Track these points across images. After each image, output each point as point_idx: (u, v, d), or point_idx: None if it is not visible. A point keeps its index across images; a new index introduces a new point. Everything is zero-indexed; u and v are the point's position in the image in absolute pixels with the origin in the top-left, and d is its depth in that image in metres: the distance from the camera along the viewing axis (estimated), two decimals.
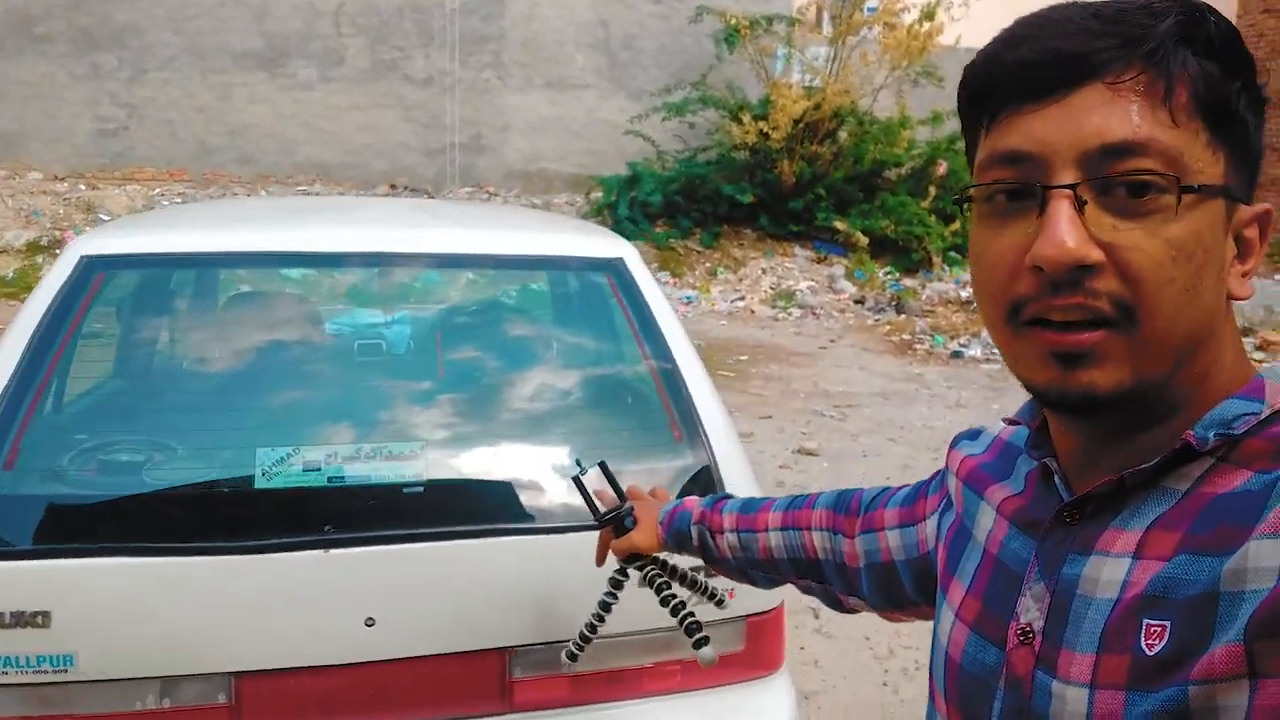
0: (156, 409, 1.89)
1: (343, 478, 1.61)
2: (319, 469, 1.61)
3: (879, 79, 12.02)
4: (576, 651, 1.25)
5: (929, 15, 11.43)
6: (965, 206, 0.70)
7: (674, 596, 1.21)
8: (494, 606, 1.60)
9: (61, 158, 11.75)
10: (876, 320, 10.11)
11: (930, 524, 0.94)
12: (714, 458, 1.72)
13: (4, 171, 11.44)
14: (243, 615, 1.53)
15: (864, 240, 11.66)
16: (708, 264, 12.19)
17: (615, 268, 1.93)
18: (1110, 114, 0.61)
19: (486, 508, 1.67)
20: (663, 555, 1.22)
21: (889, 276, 11.61)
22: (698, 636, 1.20)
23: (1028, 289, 0.63)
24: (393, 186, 12.68)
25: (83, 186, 11.50)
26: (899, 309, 10.28)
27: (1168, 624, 0.59)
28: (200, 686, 1.54)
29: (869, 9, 12.09)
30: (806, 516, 1.08)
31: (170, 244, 1.83)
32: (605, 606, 1.24)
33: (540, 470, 1.69)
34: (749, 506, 1.15)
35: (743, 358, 8.27)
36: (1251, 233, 0.67)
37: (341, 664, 1.57)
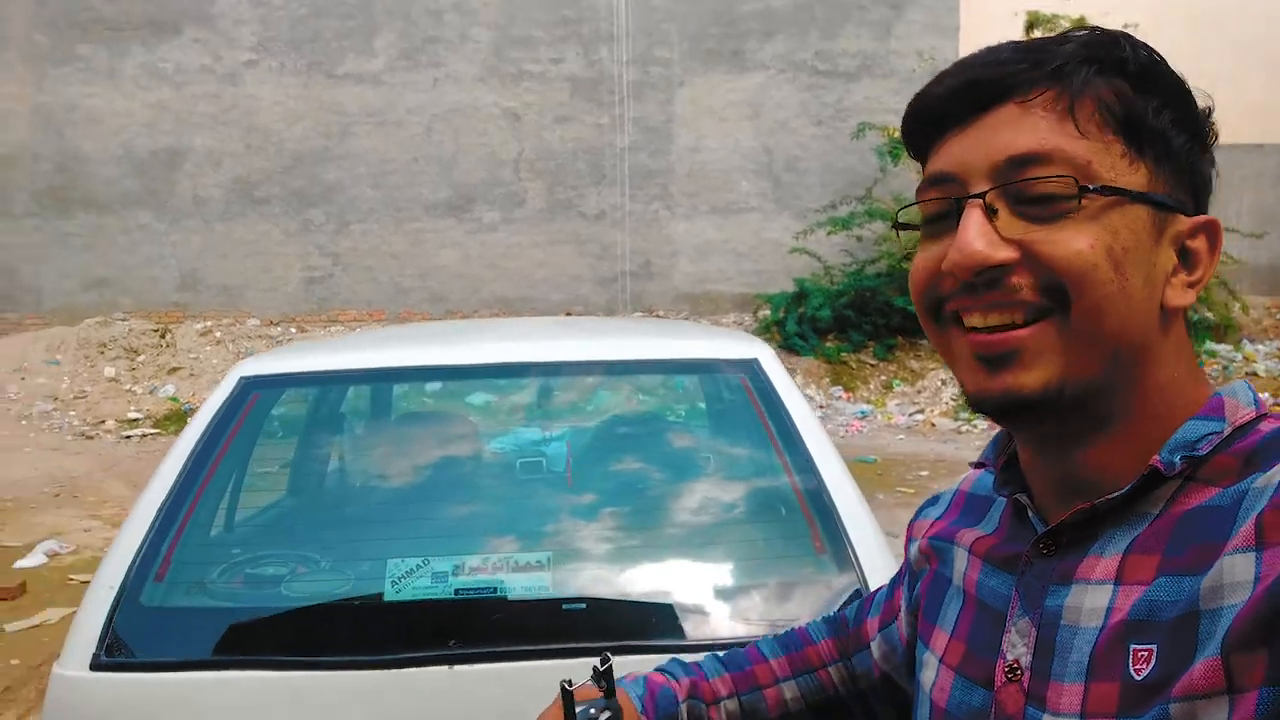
0: (305, 523, 1.93)
1: (469, 589, 1.57)
2: (446, 580, 1.58)
3: None
4: None
5: None
6: (902, 234, 0.76)
7: None
8: None
9: (275, 305, 12.98)
10: None
11: (904, 616, 0.92)
12: (862, 574, 1.57)
13: (228, 320, 12.75)
14: None
15: None
16: (883, 377, 11.84)
17: (751, 368, 1.86)
18: (1019, 129, 0.65)
19: (620, 625, 1.58)
20: None
21: None
22: None
23: (946, 288, 0.68)
24: (568, 314, 13.19)
25: (294, 330, 12.62)
26: None
27: (1154, 648, 0.59)
28: None
29: None
30: (815, 653, 1.01)
31: (315, 364, 1.91)
32: None
33: (670, 586, 1.59)
34: (734, 663, 1.01)
35: (923, 473, 7.85)
36: (1197, 244, 0.69)
37: None
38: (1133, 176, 0.65)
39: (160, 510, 1.67)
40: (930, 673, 0.78)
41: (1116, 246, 0.63)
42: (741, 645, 1.04)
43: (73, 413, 10.70)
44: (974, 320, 0.65)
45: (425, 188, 13.31)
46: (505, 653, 1.51)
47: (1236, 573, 0.57)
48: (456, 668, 1.50)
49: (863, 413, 10.72)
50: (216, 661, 1.53)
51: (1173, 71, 0.68)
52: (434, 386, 2.18)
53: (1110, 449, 0.66)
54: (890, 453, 8.54)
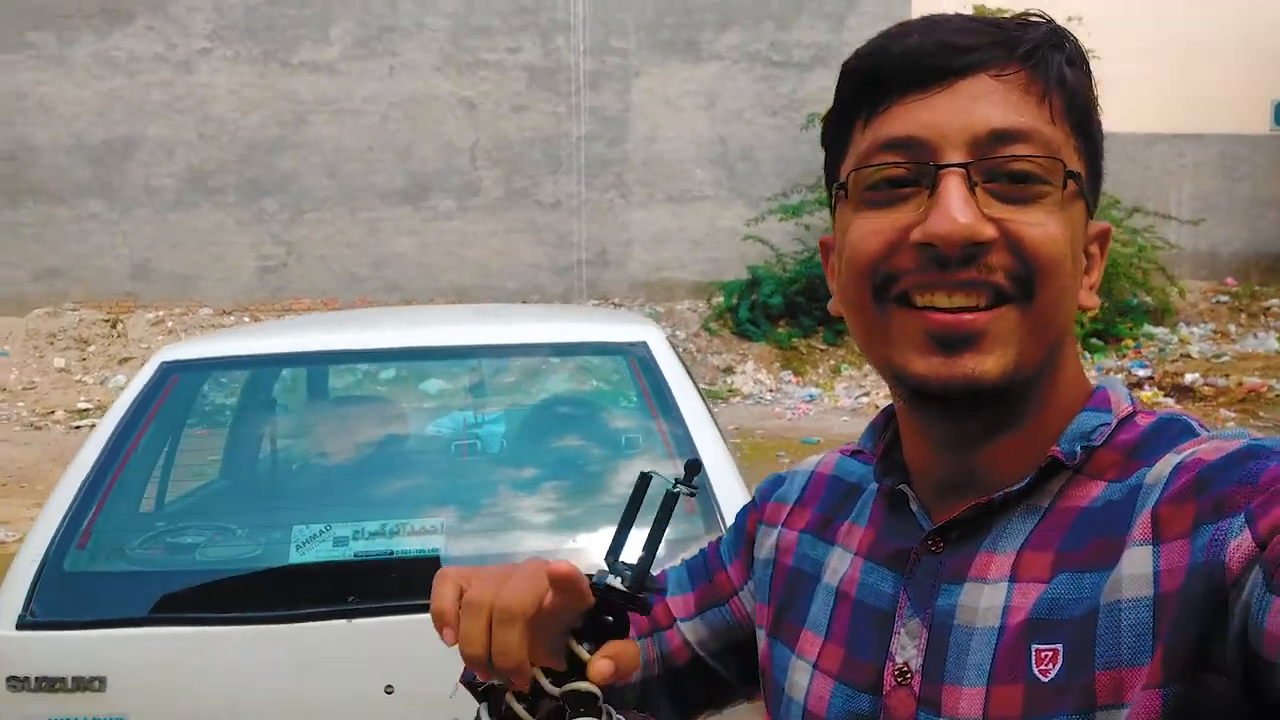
0: (225, 499, 2.07)
1: (367, 552, 1.73)
2: (346, 544, 1.73)
3: None
4: None
5: None
6: (836, 200, 0.69)
7: None
8: None
9: (229, 294, 12.96)
10: None
11: (746, 595, 0.85)
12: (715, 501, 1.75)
13: (180, 309, 12.71)
14: (273, 681, 1.64)
15: None
16: (832, 361, 12.10)
17: (640, 350, 2.03)
18: (997, 103, 0.62)
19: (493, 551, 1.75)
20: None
21: None
22: None
23: (906, 263, 0.62)
24: (524, 302, 13.31)
25: (247, 318, 12.61)
26: None
27: (1059, 647, 0.58)
28: None
29: None
30: None
31: (234, 348, 2.05)
32: None
33: (549, 546, 1.75)
34: None
35: None
36: (1094, 248, 0.69)
37: None
38: (1080, 172, 0.65)
39: (82, 485, 1.80)
40: (802, 679, 0.73)
41: (1076, 240, 0.64)
42: None
43: (21, 404, 10.64)
44: (936, 299, 0.61)
45: (381, 176, 13.33)
46: (399, 606, 1.67)
47: (1135, 565, 0.56)
48: (355, 620, 1.66)
49: (810, 396, 10.96)
50: (135, 619, 1.67)
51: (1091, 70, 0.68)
52: (350, 373, 2.31)
53: (1013, 444, 0.65)
54: (834, 434, 8.77)
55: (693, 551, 0.91)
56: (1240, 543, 0.51)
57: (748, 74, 13.89)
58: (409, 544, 1.74)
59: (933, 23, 0.65)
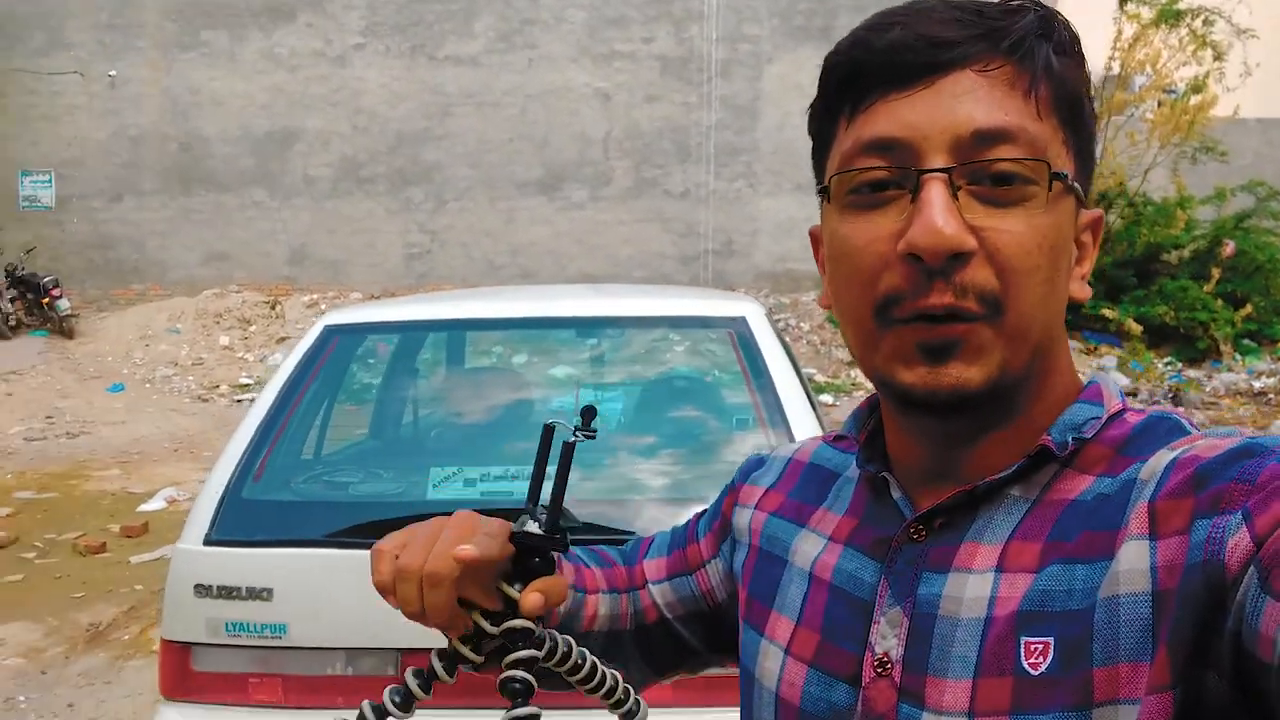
0: (375, 447, 2.35)
1: (492, 491, 1.96)
2: (475, 484, 1.97)
3: (1148, 158, 11.33)
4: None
5: (1196, 88, 10.71)
6: (823, 201, 0.68)
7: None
8: None
9: (377, 279, 13.74)
10: None
11: (713, 570, 0.87)
12: None
13: (333, 293, 13.56)
14: None
15: (1138, 329, 10.86)
16: None
17: (739, 324, 2.18)
18: (980, 100, 0.60)
19: (603, 521, 1.95)
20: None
21: (1169, 367, 10.68)
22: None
23: (901, 281, 0.61)
24: None
25: None
26: (1176, 401, 9.42)
27: (1050, 640, 0.57)
28: (375, 659, 1.91)
29: (1136, 86, 11.55)
30: (590, 576, 0.89)
31: (384, 315, 2.32)
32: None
33: (641, 493, 1.94)
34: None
35: None
36: (1086, 237, 0.68)
37: None
38: (1069, 166, 0.64)
39: (258, 429, 2.10)
40: (773, 664, 0.72)
41: (1059, 241, 0.62)
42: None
43: (190, 377, 11.63)
44: (928, 304, 0.60)
45: (519, 167, 13.84)
46: None
47: (1132, 560, 0.55)
48: None
49: None
50: (298, 541, 1.95)
51: (1084, 55, 0.66)
52: (490, 345, 2.56)
53: (1000, 439, 0.64)
54: None
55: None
56: (1238, 541, 0.51)
57: None
58: (526, 486, 1.96)
59: (915, 13, 0.63)
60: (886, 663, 0.64)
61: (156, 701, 2.10)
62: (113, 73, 13.85)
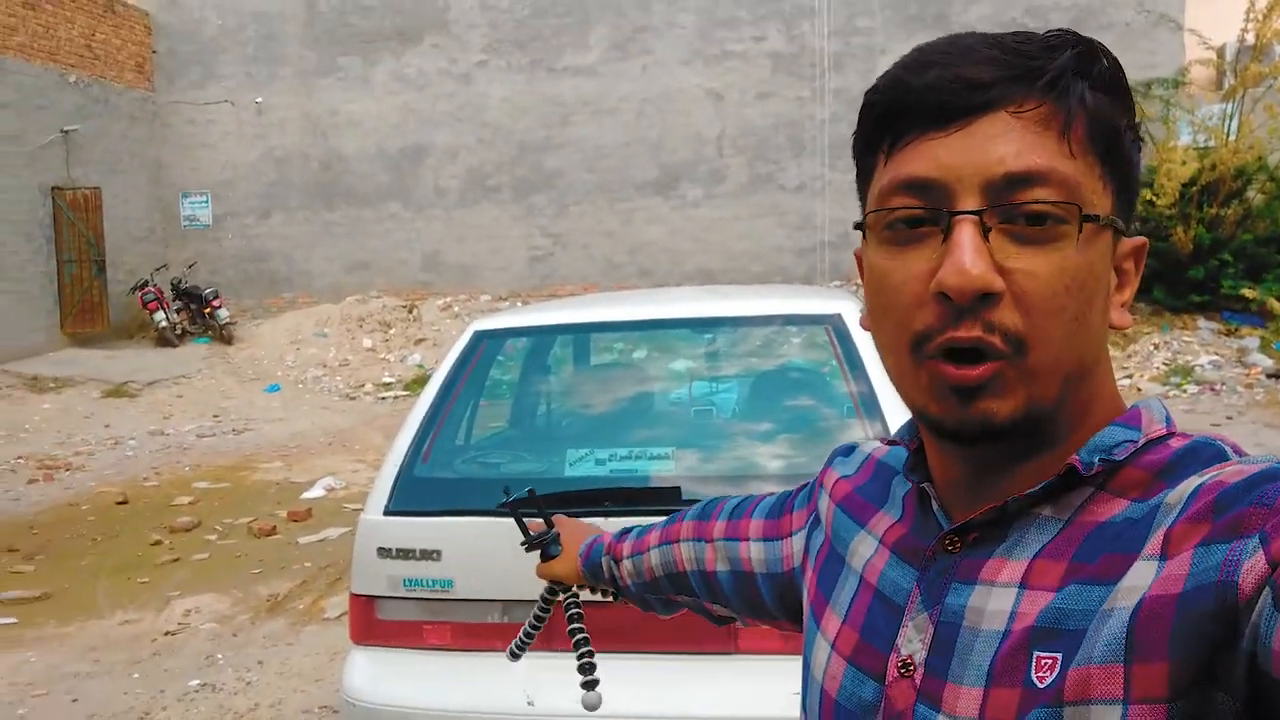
0: (519, 433, 2.73)
1: (620, 470, 2.30)
2: (605, 464, 2.32)
3: None
4: (518, 652, 1.30)
5: None
6: (863, 233, 0.70)
7: (581, 630, 1.21)
8: None
9: (504, 282, 14.43)
10: None
11: (796, 541, 0.94)
12: None
13: (464, 296, 14.31)
14: None
15: None
16: None
17: (834, 321, 2.46)
18: (1013, 143, 0.62)
19: (710, 494, 2.27)
20: (575, 588, 1.23)
21: None
22: (588, 678, 1.19)
23: (933, 319, 0.63)
24: (765, 284, 13.75)
25: (519, 303, 14.00)
26: None
27: (1059, 656, 0.59)
28: (526, 609, 2.28)
29: (1276, 55, 11.02)
30: (677, 530, 1.09)
31: (523, 321, 2.71)
32: (538, 620, 1.27)
33: (747, 474, 2.24)
34: (644, 530, 1.15)
35: None
36: (1128, 264, 0.69)
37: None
38: (1106, 200, 0.64)
39: (424, 418, 2.51)
40: (821, 656, 0.77)
41: (1090, 279, 0.63)
42: None
43: (338, 378, 12.54)
44: (956, 336, 0.62)
45: (635, 169, 14.27)
46: (642, 510, 2.22)
47: (1135, 579, 0.56)
48: (609, 518, 2.23)
49: None
50: (460, 510, 2.35)
51: (1128, 84, 0.67)
52: (615, 344, 2.91)
53: (1042, 463, 0.66)
54: None
55: None
56: (1254, 564, 0.51)
57: None
58: (649, 466, 2.29)
59: (953, 52, 0.64)
60: (910, 665, 0.67)
61: (347, 650, 2.53)
62: (259, 100, 15.01)
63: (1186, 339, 10.99)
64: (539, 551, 1.20)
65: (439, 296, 14.45)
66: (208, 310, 13.89)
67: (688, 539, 1.06)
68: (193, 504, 7.08)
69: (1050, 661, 0.59)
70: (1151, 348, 10.92)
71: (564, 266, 14.42)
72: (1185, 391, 9.57)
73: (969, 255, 0.60)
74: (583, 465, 2.31)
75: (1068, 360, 0.63)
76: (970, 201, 0.62)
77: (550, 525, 1.22)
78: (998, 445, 0.65)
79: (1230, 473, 0.57)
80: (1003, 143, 0.62)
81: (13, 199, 12.50)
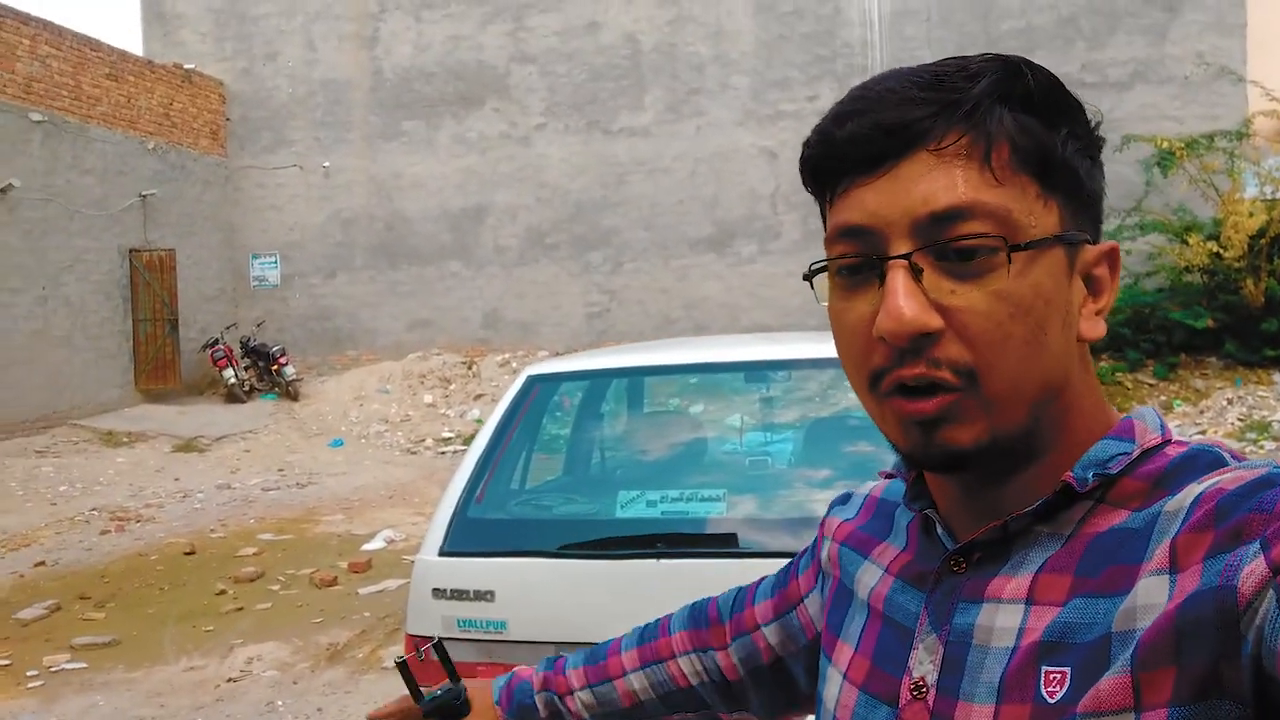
0: (571, 475, 2.77)
1: (671, 512, 2.32)
2: (656, 506, 2.33)
3: None
4: None
5: None
6: (812, 282, 0.72)
7: None
8: None
9: (562, 338, 14.60)
10: None
11: (811, 604, 0.91)
12: None
13: (523, 352, 14.51)
14: (601, 600, 2.27)
15: None
16: (1163, 397, 11.26)
17: None
18: (936, 180, 0.62)
19: (764, 538, 2.26)
20: None
21: None
22: None
23: (882, 360, 0.64)
24: None
25: None
26: None
27: (1067, 670, 0.59)
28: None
29: None
30: (666, 645, 1.01)
31: (575, 366, 2.76)
32: None
33: (803, 516, 2.24)
34: (595, 656, 1.05)
35: None
36: (1101, 270, 0.68)
37: None
38: (1048, 217, 0.64)
39: (479, 460, 2.56)
40: (834, 689, 0.77)
41: (1038, 302, 0.62)
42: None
43: (399, 433, 12.74)
44: (903, 376, 0.63)
45: (690, 226, 14.43)
46: (693, 552, 2.23)
47: (1151, 595, 0.56)
48: (661, 561, 2.24)
49: None
50: (513, 551, 2.38)
51: (1070, 93, 0.67)
52: (666, 388, 2.95)
53: (1032, 477, 0.66)
54: None
55: None
56: (1254, 568, 0.52)
57: None
58: (699, 508, 2.31)
59: (871, 98, 0.65)
60: (922, 686, 0.67)
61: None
62: (327, 164, 15.57)
63: (1262, 393, 10.65)
64: (440, 714, 0.99)
65: (498, 353, 14.67)
66: (275, 367, 14.28)
67: (686, 652, 0.99)
68: (257, 555, 7.22)
69: (1059, 675, 0.59)
70: (1225, 402, 10.60)
71: (620, 322, 14.55)
72: (1262, 447, 9.24)
73: (901, 299, 0.61)
74: (633, 507, 2.33)
75: (1029, 384, 0.63)
76: (901, 245, 0.63)
77: (456, 678, 1.02)
78: (973, 472, 0.66)
79: (1229, 479, 0.58)
80: (925, 182, 0.63)
81: (93, 260, 13.09)
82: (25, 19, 12.15)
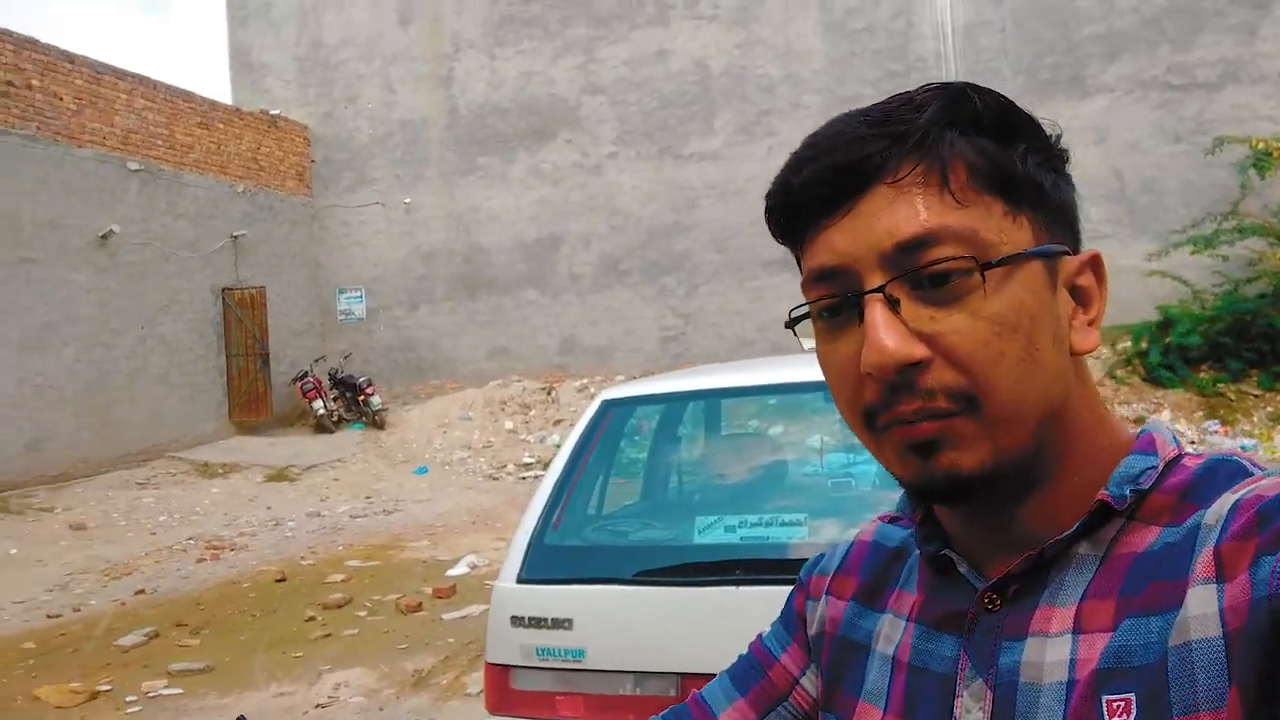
0: (647, 499, 2.74)
1: (750, 537, 2.27)
2: (735, 531, 2.29)
3: None
4: None
5: None
6: (795, 330, 0.71)
7: None
8: None
9: (637, 362, 14.63)
10: None
11: (808, 682, 0.82)
12: None
13: (600, 377, 14.58)
14: (681, 628, 2.22)
15: None
16: (1269, 409, 10.71)
17: None
18: (897, 211, 0.62)
19: None
20: None
21: None
22: None
23: (873, 395, 0.63)
24: None
25: None
26: None
27: (1131, 696, 0.57)
28: (659, 681, 2.25)
29: None
30: None
31: (646, 389, 2.73)
32: None
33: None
34: None
35: None
36: (1086, 280, 0.67)
37: None
38: (1019, 233, 0.64)
39: (555, 486, 2.55)
40: None
41: (1024, 318, 0.62)
42: None
43: (482, 459, 12.89)
44: (898, 413, 0.62)
45: (763, 248, 14.34)
46: (774, 579, 2.18)
47: (1201, 605, 0.55)
48: (740, 588, 2.19)
49: (1244, 447, 9.81)
50: (591, 579, 2.35)
51: (1022, 111, 0.67)
52: (743, 410, 2.90)
53: (1047, 500, 0.64)
54: None
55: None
56: None
57: (1142, 102, 13.00)
58: (780, 532, 2.25)
59: (822, 144, 0.66)
60: None
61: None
62: (407, 200, 15.98)
63: None
64: None
65: (575, 378, 14.77)
66: (362, 398, 14.63)
67: None
68: (345, 581, 7.36)
69: (1123, 704, 0.57)
70: None
71: (695, 345, 14.52)
72: None
73: (881, 332, 0.61)
74: (711, 533, 2.29)
75: (1031, 403, 0.62)
76: (874, 278, 0.63)
77: None
78: (980, 498, 0.63)
79: (1267, 485, 0.57)
80: (887, 215, 0.63)
81: (188, 300, 13.65)
82: (122, 74, 12.81)
